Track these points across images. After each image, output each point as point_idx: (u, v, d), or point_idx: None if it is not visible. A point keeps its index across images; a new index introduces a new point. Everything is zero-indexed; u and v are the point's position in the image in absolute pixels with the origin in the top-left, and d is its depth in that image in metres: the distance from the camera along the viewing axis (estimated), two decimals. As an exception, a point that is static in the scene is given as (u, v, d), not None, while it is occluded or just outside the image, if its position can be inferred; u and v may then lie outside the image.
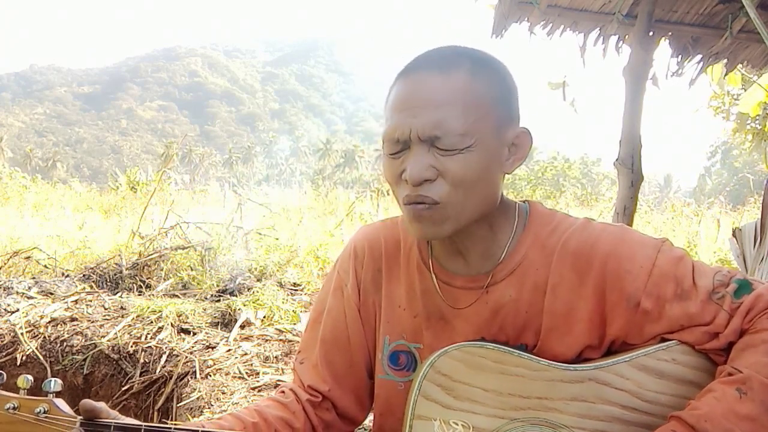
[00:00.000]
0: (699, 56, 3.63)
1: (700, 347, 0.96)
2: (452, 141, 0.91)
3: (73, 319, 3.46)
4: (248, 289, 4.04)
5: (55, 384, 0.97)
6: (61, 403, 0.96)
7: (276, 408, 1.10)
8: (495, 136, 0.95)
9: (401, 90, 0.96)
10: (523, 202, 1.09)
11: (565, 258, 1.00)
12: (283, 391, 1.15)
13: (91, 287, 4.22)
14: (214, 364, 2.92)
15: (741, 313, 0.93)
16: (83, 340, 3.26)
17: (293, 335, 3.30)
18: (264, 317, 3.54)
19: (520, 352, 0.98)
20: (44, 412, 0.95)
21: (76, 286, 4.17)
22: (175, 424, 0.98)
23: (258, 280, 4.37)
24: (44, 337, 3.30)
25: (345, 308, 1.14)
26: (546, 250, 1.02)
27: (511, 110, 0.98)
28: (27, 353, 3.20)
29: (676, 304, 0.95)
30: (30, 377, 0.97)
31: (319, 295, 1.21)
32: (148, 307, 3.54)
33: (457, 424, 0.96)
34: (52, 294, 3.98)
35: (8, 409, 0.95)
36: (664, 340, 0.97)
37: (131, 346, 3.18)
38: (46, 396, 0.96)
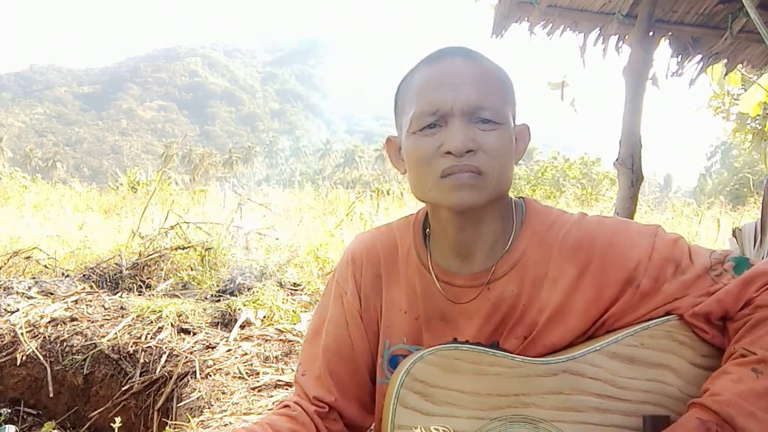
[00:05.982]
0: (699, 56, 3.63)
1: (690, 313, 0.96)
2: (492, 114, 0.97)
3: (73, 319, 3.46)
4: (248, 289, 4.03)
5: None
6: None
7: (286, 421, 1.09)
8: (512, 122, 1.01)
9: (435, 71, 1.00)
10: (518, 198, 1.11)
11: (565, 252, 1.02)
12: (288, 405, 1.13)
13: (91, 287, 4.21)
14: (214, 364, 2.92)
15: (741, 281, 0.94)
16: (83, 340, 3.26)
17: (293, 335, 3.29)
18: (264, 317, 3.54)
19: (495, 351, 0.98)
20: None
21: (76, 286, 4.17)
22: None
23: (258, 280, 4.36)
24: (44, 337, 3.30)
25: (346, 316, 1.14)
26: (545, 245, 1.04)
27: (515, 104, 1.03)
28: (27, 353, 3.20)
29: (674, 281, 0.98)
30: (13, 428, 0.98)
31: (319, 308, 1.20)
32: (148, 307, 3.54)
33: (438, 430, 0.95)
34: (52, 294, 3.98)
35: None
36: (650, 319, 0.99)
37: (131, 346, 3.18)
38: None
